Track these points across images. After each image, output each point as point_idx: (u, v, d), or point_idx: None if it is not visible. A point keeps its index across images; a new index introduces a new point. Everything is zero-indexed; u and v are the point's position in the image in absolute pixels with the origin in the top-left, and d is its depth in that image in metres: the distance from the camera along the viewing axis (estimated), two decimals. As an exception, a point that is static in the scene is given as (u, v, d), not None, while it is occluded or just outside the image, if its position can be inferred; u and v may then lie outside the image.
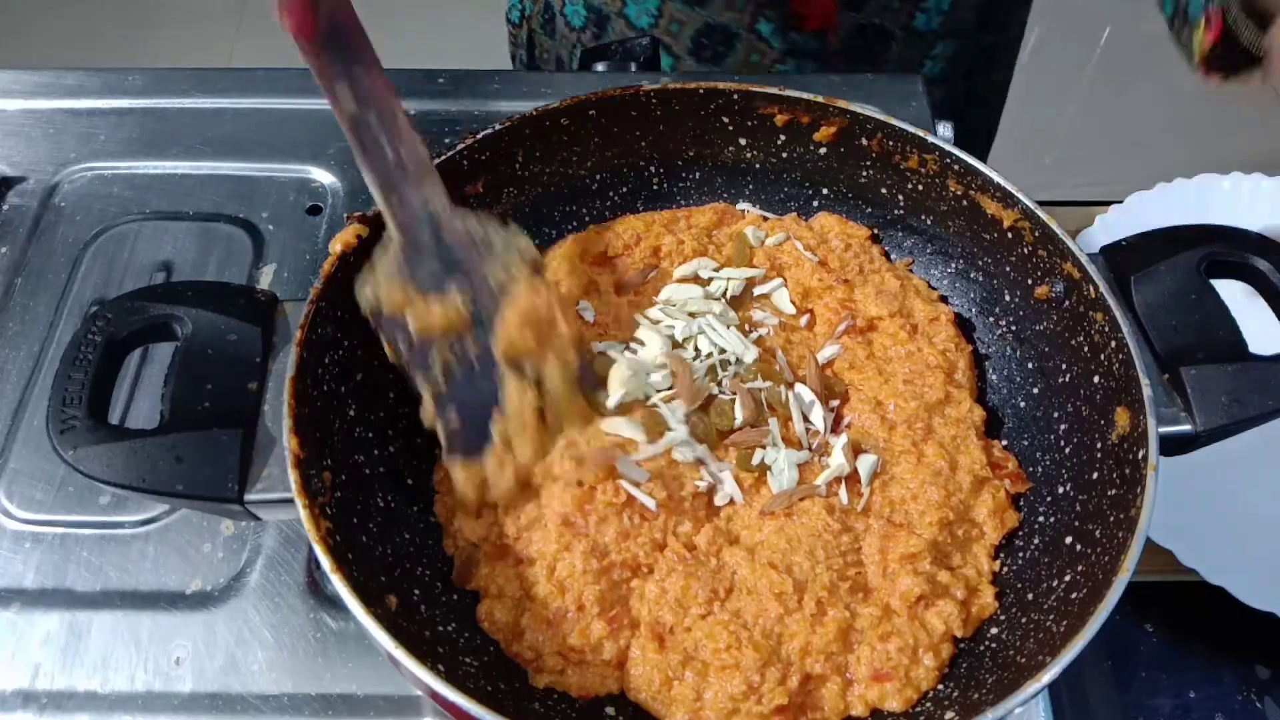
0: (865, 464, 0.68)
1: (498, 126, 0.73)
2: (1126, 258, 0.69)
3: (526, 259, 0.67)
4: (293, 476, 0.57)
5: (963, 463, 0.69)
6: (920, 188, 0.76)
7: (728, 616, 0.62)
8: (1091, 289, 0.66)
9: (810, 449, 0.69)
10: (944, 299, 0.78)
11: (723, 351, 0.72)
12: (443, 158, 0.71)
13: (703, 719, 0.60)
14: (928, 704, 0.61)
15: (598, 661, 0.62)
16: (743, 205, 0.82)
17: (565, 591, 0.63)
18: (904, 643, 0.62)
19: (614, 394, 0.69)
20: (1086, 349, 0.68)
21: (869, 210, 0.79)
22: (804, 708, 0.61)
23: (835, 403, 0.72)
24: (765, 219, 0.81)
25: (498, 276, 0.66)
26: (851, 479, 0.68)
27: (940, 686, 0.62)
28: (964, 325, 0.77)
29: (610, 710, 0.62)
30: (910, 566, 0.64)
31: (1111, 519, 0.61)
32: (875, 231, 0.80)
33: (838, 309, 0.75)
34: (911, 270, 0.79)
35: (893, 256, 0.80)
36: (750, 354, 0.71)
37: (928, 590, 0.63)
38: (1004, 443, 0.72)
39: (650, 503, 0.65)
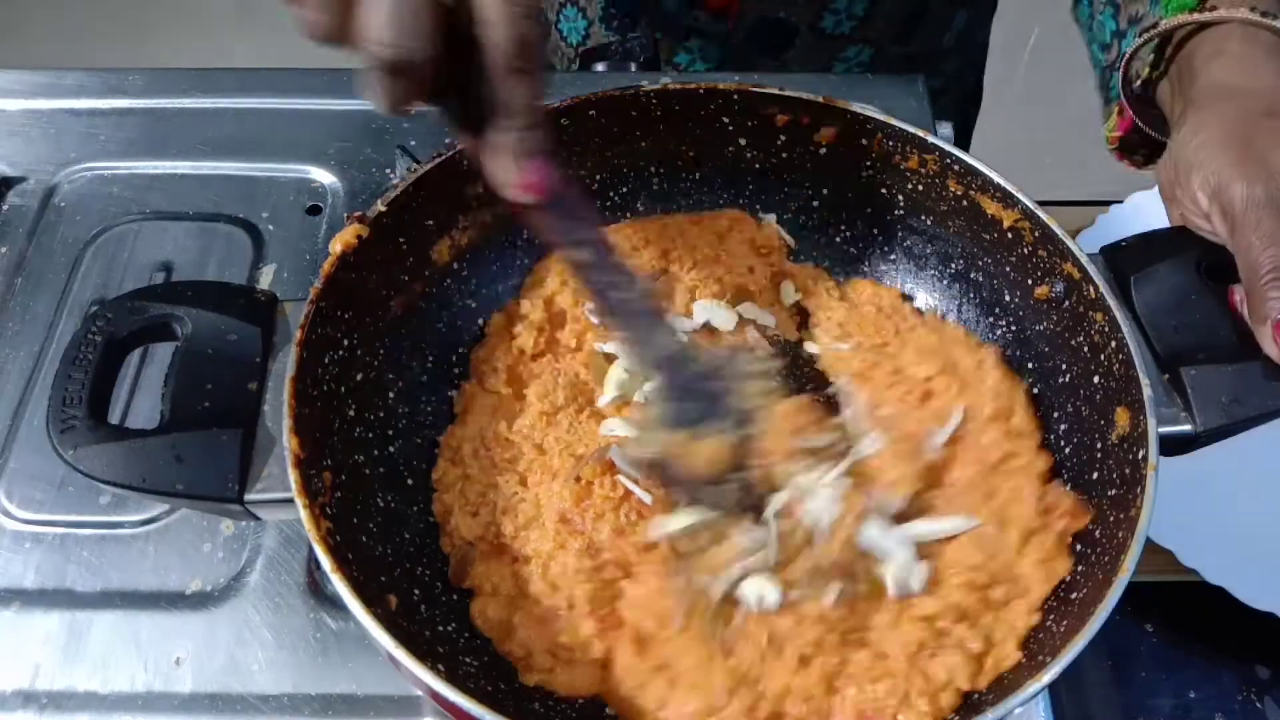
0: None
1: (498, 126, 0.73)
2: (1126, 258, 0.69)
3: (772, 379, 0.65)
4: (293, 476, 0.57)
5: (1013, 517, 0.64)
6: (920, 188, 0.76)
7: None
8: (1091, 289, 0.66)
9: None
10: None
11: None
12: (443, 158, 0.71)
13: None
14: (928, 704, 0.61)
15: (586, 660, 0.62)
16: (767, 216, 0.81)
17: (557, 590, 0.63)
18: (895, 685, 0.59)
19: (608, 394, 0.70)
20: (1086, 349, 0.67)
21: (869, 210, 0.79)
22: None
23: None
24: (791, 249, 0.80)
25: (748, 402, 0.64)
26: None
27: (940, 686, 0.62)
28: (968, 327, 0.77)
29: (611, 711, 0.62)
30: (924, 624, 0.61)
31: (1111, 519, 0.61)
32: (905, 291, 0.79)
33: (892, 384, 0.72)
34: (944, 318, 0.78)
35: (892, 255, 0.80)
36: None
37: (930, 639, 0.60)
38: (1064, 481, 0.67)
39: (646, 497, 0.65)
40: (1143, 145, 0.84)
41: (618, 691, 0.61)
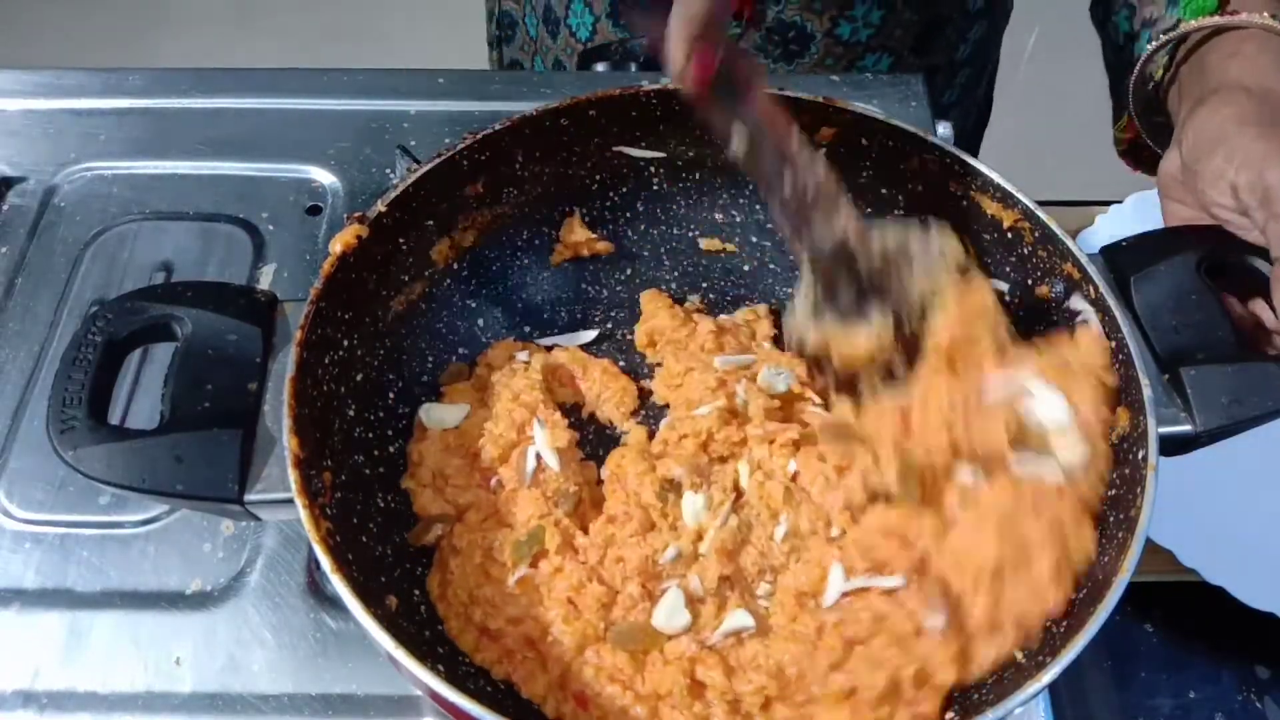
0: None
1: (498, 126, 0.73)
2: (1126, 258, 0.69)
3: (951, 261, 0.64)
4: (293, 476, 0.57)
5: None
6: (920, 188, 0.76)
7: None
8: (1091, 289, 0.66)
9: None
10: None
11: None
12: (443, 158, 0.71)
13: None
14: (928, 704, 0.61)
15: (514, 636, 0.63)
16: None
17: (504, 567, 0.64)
18: None
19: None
20: (1087, 349, 0.67)
21: (869, 210, 0.79)
22: None
23: None
24: None
25: (921, 287, 0.63)
26: None
27: (940, 686, 0.62)
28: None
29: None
30: None
31: (1111, 519, 0.61)
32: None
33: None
34: None
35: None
36: None
37: None
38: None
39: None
40: (1146, 158, 0.84)
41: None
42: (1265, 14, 0.73)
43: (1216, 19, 0.74)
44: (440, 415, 0.71)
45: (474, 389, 0.74)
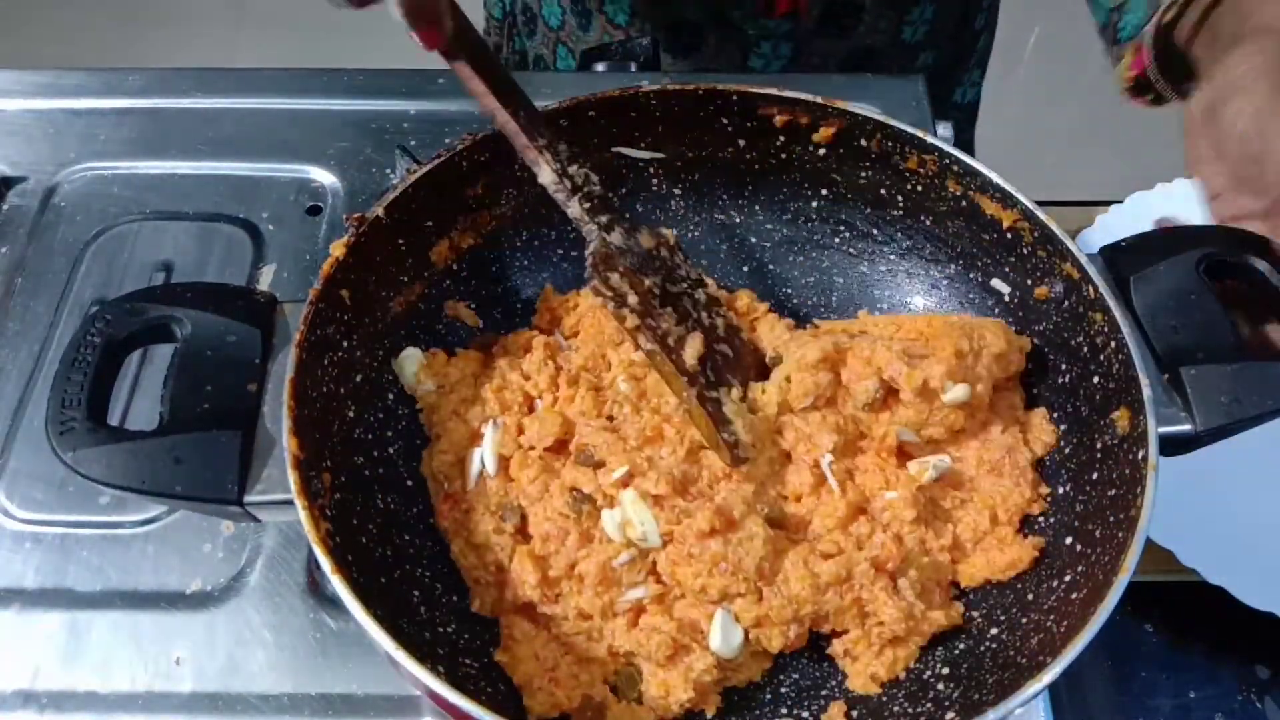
0: None
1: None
2: (1126, 258, 0.69)
3: None
4: (292, 478, 0.57)
5: None
6: (920, 188, 0.76)
7: None
8: (1091, 289, 0.66)
9: None
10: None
11: None
12: (442, 159, 0.71)
13: None
14: (928, 704, 0.61)
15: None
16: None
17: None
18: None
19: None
20: (1086, 349, 0.68)
21: (868, 211, 0.79)
22: None
23: None
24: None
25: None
26: None
27: (941, 686, 0.62)
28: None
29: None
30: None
31: (1111, 519, 0.61)
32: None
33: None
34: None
35: (891, 255, 0.80)
36: None
37: None
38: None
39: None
40: (1152, 87, 0.84)
41: None
42: None
43: None
44: (404, 365, 0.71)
45: (480, 363, 0.73)
